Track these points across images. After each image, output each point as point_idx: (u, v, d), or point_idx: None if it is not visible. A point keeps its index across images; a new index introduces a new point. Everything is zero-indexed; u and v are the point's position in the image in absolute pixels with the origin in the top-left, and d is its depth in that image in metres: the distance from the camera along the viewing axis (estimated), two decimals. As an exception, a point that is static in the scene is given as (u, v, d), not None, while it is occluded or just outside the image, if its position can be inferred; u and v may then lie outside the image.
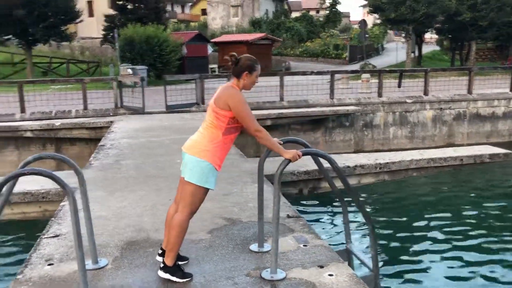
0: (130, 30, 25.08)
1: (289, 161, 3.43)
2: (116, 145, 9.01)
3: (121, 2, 29.87)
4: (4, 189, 3.56)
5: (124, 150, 8.47)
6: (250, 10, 49.33)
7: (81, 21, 29.68)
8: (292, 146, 3.64)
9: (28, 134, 11.96)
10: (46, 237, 4.31)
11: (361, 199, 10.25)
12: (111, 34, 27.20)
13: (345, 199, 4.54)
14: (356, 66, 31.37)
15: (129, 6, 30.17)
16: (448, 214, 9.16)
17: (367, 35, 29.32)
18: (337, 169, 3.56)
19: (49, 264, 3.76)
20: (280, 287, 3.38)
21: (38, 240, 4.30)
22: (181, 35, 28.83)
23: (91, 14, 50.13)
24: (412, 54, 32.10)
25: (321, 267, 3.66)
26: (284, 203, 5.23)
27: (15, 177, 2.94)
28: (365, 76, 17.56)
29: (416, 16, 27.03)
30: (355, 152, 14.03)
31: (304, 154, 3.46)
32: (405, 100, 15.02)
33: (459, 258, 7.11)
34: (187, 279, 3.46)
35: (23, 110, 12.85)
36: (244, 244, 4.14)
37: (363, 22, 27.29)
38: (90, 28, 47.37)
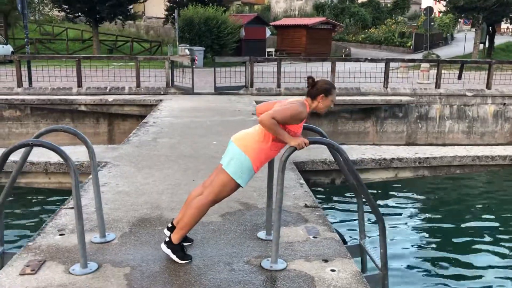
0: (191, 11, 25.35)
1: (295, 148, 3.30)
2: (158, 123, 9.20)
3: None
4: (18, 158, 3.71)
5: (164, 129, 8.62)
6: (314, -7, 48.31)
7: (145, 0, 30.41)
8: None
9: (82, 108, 12.49)
10: (65, 208, 4.46)
11: (396, 193, 9.88)
12: (173, 14, 27.69)
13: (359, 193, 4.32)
14: (421, 55, 29.95)
15: (192, -13, 30.49)
16: (485, 221, 8.54)
17: (432, 23, 27.81)
18: (347, 161, 3.38)
19: (60, 234, 3.88)
20: (277, 278, 3.28)
21: (57, 210, 4.45)
22: (240, 17, 28.80)
23: (158, -6, 51.21)
24: (481, 45, 30.12)
25: (326, 261, 3.52)
26: (305, 192, 5.10)
27: (18, 148, 3.02)
28: (424, 66, 16.71)
29: (487, 4, 25.25)
30: (407, 145, 13.50)
31: (312, 142, 3.31)
32: (464, 93, 14.18)
33: (487, 270, 6.61)
34: (186, 261, 3.44)
35: (80, 84, 13.41)
36: (253, 230, 4.07)
37: (428, 9, 25.91)
38: (157, 8, 48.48)
